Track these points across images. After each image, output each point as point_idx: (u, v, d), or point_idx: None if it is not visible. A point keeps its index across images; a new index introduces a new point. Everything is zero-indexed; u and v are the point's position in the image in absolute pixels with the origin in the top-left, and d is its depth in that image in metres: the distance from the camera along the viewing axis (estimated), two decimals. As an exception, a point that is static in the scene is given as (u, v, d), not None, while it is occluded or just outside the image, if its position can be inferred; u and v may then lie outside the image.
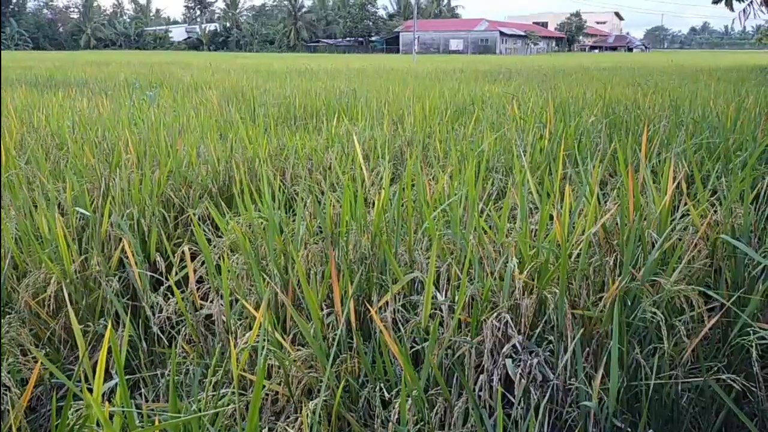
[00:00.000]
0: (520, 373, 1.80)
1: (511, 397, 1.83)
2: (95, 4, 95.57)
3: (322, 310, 2.08)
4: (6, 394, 1.64)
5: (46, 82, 12.49)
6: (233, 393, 1.63)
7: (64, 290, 2.07)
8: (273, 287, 2.12)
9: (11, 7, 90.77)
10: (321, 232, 2.64)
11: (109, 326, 1.33)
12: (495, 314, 1.93)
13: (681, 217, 2.58)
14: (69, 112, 6.29)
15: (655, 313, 1.96)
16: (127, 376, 2.09)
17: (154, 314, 2.34)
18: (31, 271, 2.48)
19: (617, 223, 2.35)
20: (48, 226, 2.60)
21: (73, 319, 1.56)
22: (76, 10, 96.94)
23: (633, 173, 2.33)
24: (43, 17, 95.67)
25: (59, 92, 8.91)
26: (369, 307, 2.04)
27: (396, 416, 1.72)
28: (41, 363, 1.63)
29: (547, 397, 1.78)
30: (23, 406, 1.63)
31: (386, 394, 1.84)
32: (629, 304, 2.06)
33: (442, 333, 1.97)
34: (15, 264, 2.59)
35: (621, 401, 1.93)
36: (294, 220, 2.69)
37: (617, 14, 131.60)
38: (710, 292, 2.09)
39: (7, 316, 2.25)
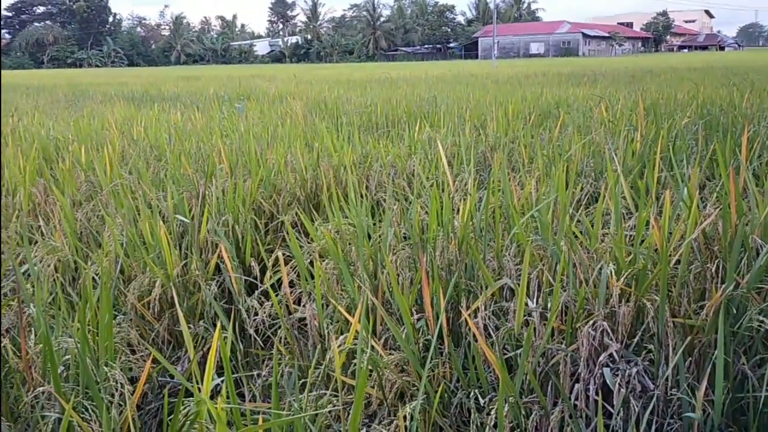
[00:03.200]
0: (619, 383, 1.75)
1: (609, 407, 1.78)
2: (184, 21, 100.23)
3: (412, 315, 2.10)
4: (119, 390, 1.75)
5: (142, 96, 13.19)
6: (333, 395, 1.68)
7: (173, 291, 2.18)
8: (365, 291, 2.16)
9: (108, 26, 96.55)
10: (406, 238, 2.66)
11: (218, 327, 1.40)
12: (590, 322, 1.89)
13: (788, 222, 2.44)
14: (165, 124, 6.62)
15: (762, 322, 1.87)
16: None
17: (249, 317, 2.43)
18: (137, 275, 2.63)
19: (717, 229, 2.25)
20: (151, 233, 2.74)
21: (182, 321, 1.64)
22: (167, 27, 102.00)
23: (734, 176, 2.22)
24: (137, 35, 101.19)
25: (155, 106, 9.39)
26: (461, 312, 2.04)
27: (493, 422, 1.71)
28: (151, 361, 1.73)
29: (649, 409, 1.73)
30: (135, 401, 1.74)
31: (481, 399, 1.84)
32: (734, 312, 1.97)
33: (536, 340, 1.94)
34: (122, 268, 2.75)
35: (726, 414, 1.85)
36: (379, 226, 2.73)
37: (707, 12, 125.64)
38: (824, 301, 1.97)
39: (117, 317, 2.40)
